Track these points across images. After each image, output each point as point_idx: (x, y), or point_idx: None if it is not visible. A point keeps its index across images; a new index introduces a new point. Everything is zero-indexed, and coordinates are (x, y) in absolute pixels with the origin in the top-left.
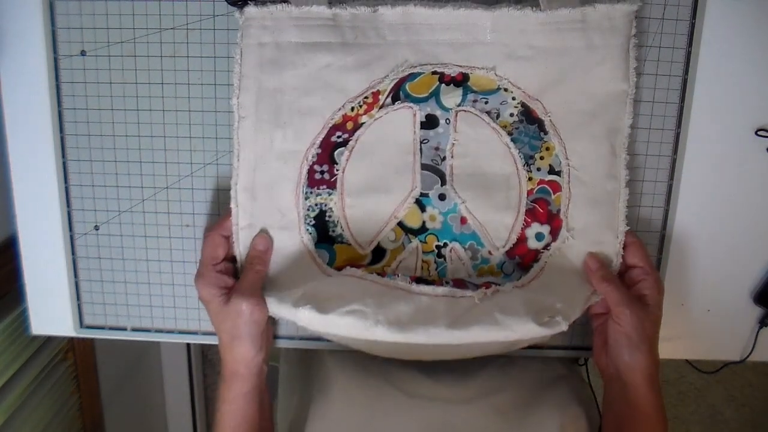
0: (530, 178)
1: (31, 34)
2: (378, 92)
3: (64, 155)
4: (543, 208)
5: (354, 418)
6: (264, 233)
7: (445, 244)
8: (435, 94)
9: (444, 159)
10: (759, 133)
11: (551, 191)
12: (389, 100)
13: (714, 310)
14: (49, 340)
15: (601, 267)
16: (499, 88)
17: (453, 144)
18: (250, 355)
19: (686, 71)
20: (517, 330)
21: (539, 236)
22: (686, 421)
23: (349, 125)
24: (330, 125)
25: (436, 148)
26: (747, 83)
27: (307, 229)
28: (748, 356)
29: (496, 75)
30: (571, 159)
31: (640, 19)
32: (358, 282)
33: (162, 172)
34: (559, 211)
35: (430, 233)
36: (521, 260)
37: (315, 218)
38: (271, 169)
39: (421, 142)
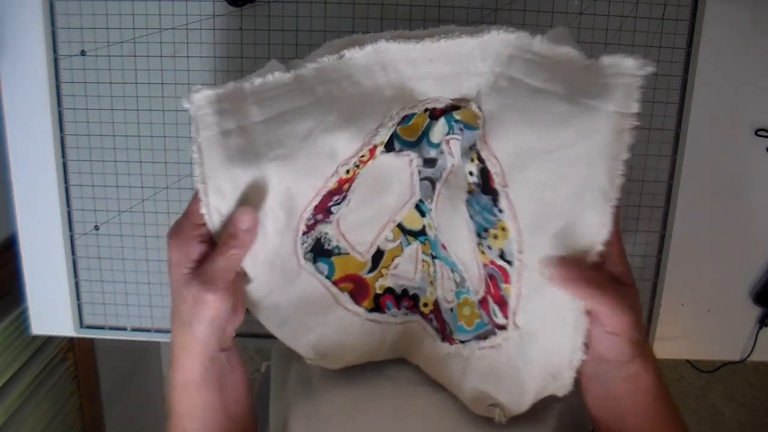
0: (482, 252)
1: (31, 34)
2: (375, 147)
3: (64, 155)
4: (495, 288)
5: (336, 402)
6: (251, 208)
7: (434, 257)
8: (426, 134)
9: (441, 176)
10: (759, 133)
11: (503, 278)
12: (383, 149)
13: (714, 310)
14: (49, 340)
15: (577, 269)
16: (479, 127)
17: (450, 170)
18: (201, 346)
19: (686, 71)
20: (460, 396)
21: (494, 312)
22: (686, 421)
23: (346, 186)
24: (324, 192)
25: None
26: (747, 83)
27: (306, 256)
28: (748, 356)
29: (480, 110)
30: (526, 256)
31: (640, 19)
32: (360, 325)
33: (162, 172)
34: (508, 303)
35: (427, 239)
36: (489, 320)
37: (312, 246)
38: (267, 246)
39: (420, 180)
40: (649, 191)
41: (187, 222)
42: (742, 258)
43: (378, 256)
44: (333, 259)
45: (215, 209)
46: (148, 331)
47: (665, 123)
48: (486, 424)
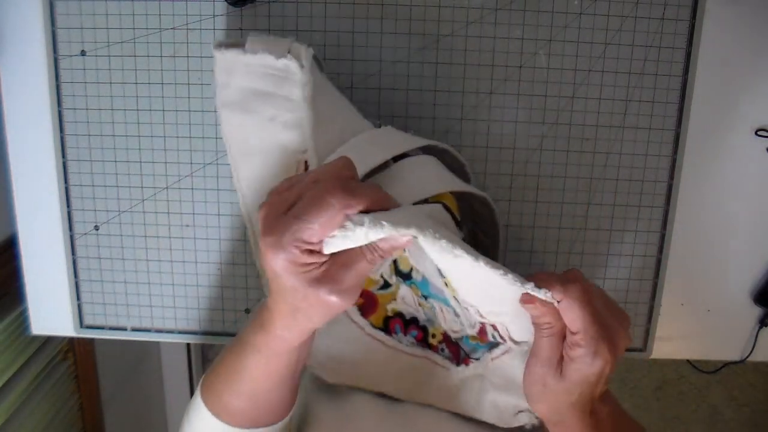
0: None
1: (31, 34)
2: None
3: (64, 155)
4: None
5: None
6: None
7: (426, 297)
8: None
9: None
10: (759, 133)
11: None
12: None
13: (714, 310)
14: (49, 340)
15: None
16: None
17: None
18: (305, 333)
19: (686, 71)
20: (483, 418)
21: (493, 336)
22: (686, 421)
23: None
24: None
25: None
26: (747, 83)
27: None
28: (748, 356)
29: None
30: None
31: (640, 19)
32: (361, 339)
33: (162, 172)
34: (497, 327)
35: (413, 282)
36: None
37: None
38: None
39: None
40: (649, 191)
41: (291, 237)
42: (742, 258)
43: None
44: None
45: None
46: (148, 331)
47: (665, 123)
48: None
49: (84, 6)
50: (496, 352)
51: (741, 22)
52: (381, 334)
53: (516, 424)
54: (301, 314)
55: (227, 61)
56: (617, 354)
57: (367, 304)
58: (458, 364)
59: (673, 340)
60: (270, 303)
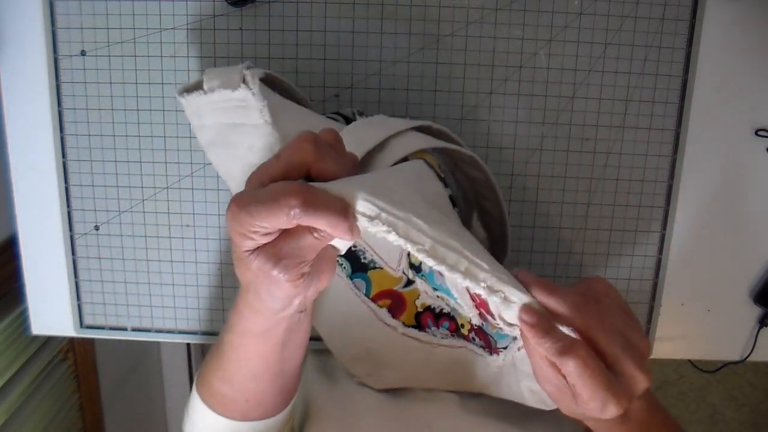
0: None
1: (31, 34)
2: None
3: (64, 155)
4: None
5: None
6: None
7: (435, 289)
8: None
9: None
10: (759, 133)
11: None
12: None
13: (714, 310)
14: (49, 340)
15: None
16: None
17: None
18: (270, 312)
19: (686, 71)
20: (530, 404)
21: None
22: (686, 421)
23: None
24: None
25: None
26: (747, 83)
27: (341, 263)
28: (748, 356)
29: None
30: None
31: (640, 19)
32: (398, 340)
33: (162, 172)
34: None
35: (423, 275)
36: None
37: (349, 258)
38: None
39: None
40: (649, 191)
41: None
42: (742, 258)
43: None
44: (369, 273)
45: None
46: (148, 331)
47: (665, 123)
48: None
49: (84, 6)
50: (519, 342)
51: (741, 22)
52: (414, 332)
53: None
54: (255, 291)
55: (192, 105)
56: (633, 393)
57: (395, 304)
58: (491, 353)
59: (673, 340)
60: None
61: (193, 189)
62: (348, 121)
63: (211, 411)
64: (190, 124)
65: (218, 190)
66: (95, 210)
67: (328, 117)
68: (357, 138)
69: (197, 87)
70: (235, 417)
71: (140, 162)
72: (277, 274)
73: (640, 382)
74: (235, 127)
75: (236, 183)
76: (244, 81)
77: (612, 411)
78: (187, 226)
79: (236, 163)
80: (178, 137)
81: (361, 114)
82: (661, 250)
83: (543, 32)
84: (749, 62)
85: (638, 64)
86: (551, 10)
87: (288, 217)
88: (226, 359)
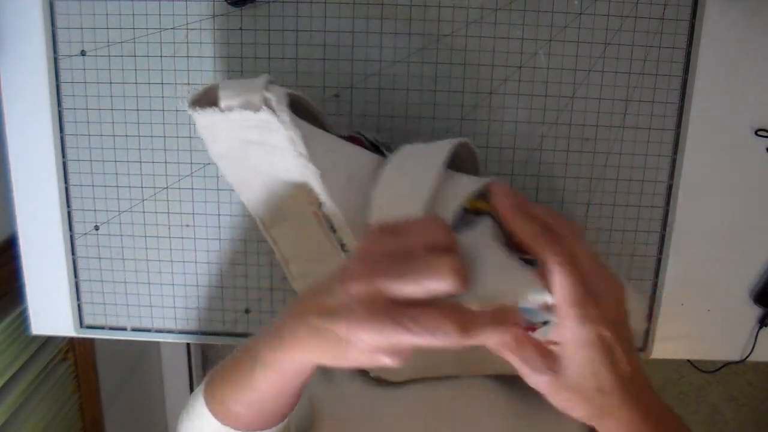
0: None
1: (31, 34)
2: None
3: (64, 155)
4: None
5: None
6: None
7: None
8: None
9: None
10: (759, 133)
11: None
12: None
13: (714, 310)
14: (49, 340)
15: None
16: None
17: None
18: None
19: (686, 71)
20: None
21: None
22: (686, 421)
23: None
24: None
25: None
26: (747, 83)
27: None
28: (748, 356)
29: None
30: None
31: (640, 19)
32: None
33: (162, 172)
34: None
35: None
36: None
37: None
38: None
39: None
40: (649, 191)
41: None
42: (742, 258)
43: None
44: None
45: None
46: (148, 331)
47: (665, 123)
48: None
49: (84, 6)
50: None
51: (741, 22)
52: None
53: None
54: (333, 358)
55: (206, 120)
56: (610, 315)
57: None
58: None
59: (673, 340)
60: (290, 325)
61: (193, 189)
62: (369, 142)
63: (220, 423)
64: (190, 124)
65: (218, 190)
66: (95, 210)
67: (350, 136)
68: (408, 198)
69: (208, 98)
70: (246, 429)
71: (140, 162)
72: (388, 362)
73: (617, 287)
74: (254, 143)
75: (254, 195)
76: (266, 103)
77: (592, 316)
78: (187, 226)
79: (255, 178)
80: (178, 137)
81: (384, 145)
82: (661, 250)
83: (543, 32)
84: (749, 62)
85: (638, 64)
86: (551, 10)
87: (446, 339)
88: (253, 389)
